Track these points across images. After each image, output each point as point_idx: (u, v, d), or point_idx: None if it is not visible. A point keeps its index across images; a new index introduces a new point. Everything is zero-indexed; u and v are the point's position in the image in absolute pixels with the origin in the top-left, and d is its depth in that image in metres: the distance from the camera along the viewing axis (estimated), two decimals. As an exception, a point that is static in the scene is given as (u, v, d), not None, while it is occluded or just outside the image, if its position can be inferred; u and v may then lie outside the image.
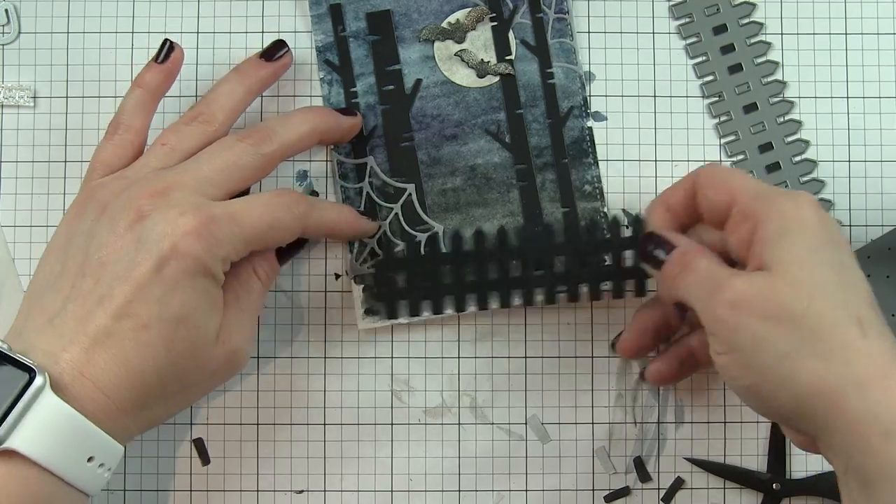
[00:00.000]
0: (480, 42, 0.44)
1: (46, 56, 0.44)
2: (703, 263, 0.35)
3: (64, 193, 0.44)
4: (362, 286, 0.43)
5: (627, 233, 0.43)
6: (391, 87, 0.44)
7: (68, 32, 0.44)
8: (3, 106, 0.44)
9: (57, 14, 0.44)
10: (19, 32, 0.44)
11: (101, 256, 0.34)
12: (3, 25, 0.44)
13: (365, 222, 0.42)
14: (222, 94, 0.40)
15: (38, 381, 0.31)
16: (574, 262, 0.42)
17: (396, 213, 0.43)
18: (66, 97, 0.44)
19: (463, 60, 0.44)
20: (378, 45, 0.44)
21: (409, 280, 0.42)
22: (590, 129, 0.44)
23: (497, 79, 0.44)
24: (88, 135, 0.44)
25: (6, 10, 0.44)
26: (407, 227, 0.43)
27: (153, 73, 0.40)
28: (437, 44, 0.44)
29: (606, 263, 0.42)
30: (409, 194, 0.43)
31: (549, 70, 0.44)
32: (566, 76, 0.44)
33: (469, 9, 0.44)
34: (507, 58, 0.44)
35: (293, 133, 0.39)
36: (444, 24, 0.44)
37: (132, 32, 0.44)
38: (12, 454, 0.31)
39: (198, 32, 0.44)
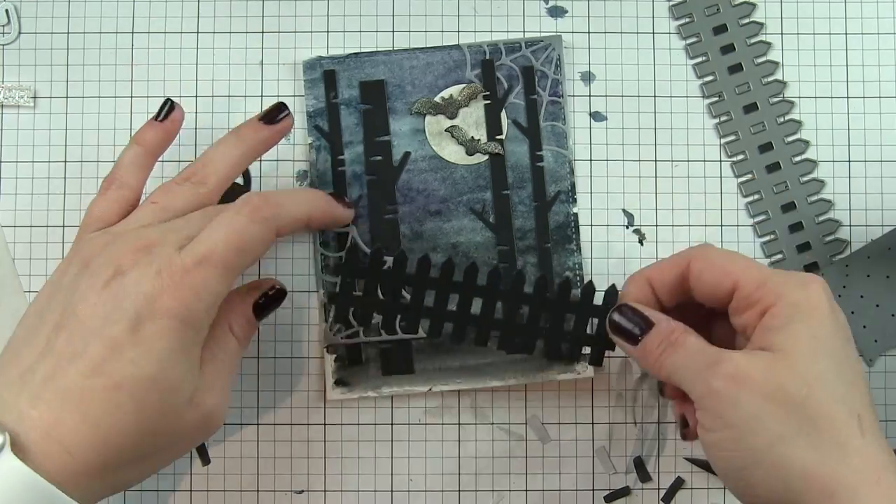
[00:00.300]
0: (472, 119, 0.43)
1: (46, 56, 0.44)
2: (692, 340, 0.34)
3: (64, 193, 0.44)
4: (334, 356, 0.43)
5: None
6: (379, 157, 0.43)
7: (68, 32, 0.44)
8: (3, 106, 0.44)
9: (57, 14, 0.44)
10: (19, 32, 0.44)
11: (78, 312, 0.33)
12: (3, 25, 0.44)
13: (340, 209, 0.41)
14: (217, 156, 0.38)
15: None
16: (536, 315, 0.40)
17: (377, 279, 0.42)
18: (66, 97, 0.44)
19: (453, 136, 0.43)
20: (369, 114, 0.43)
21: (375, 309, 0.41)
22: (575, 215, 0.43)
23: (486, 157, 0.43)
24: (88, 135, 0.44)
25: (6, 10, 0.44)
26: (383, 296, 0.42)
27: (153, 131, 0.39)
28: (428, 118, 0.43)
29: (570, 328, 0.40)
30: (389, 268, 0.42)
31: (538, 153, 0.43)
32: (556, 160, 0.43)
33: (463, 85, 0.43)
34: (498, 137, 0.43)
35: (290, 214, 0.37)
36: (437, 99, 0.43)
37: (132, 32, 0.44)
38: None
39: (198, 32, 0.44)
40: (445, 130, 0.43)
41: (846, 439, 0.32)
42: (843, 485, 0.31)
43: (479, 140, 0.43)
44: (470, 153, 0.43)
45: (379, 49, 0.44)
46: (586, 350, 0.40)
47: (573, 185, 0.43)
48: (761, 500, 0.33)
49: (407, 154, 0.43)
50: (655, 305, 0.37)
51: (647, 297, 0.37)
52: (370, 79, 0.43)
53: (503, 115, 0.43)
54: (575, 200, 0.43)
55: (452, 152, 0.43)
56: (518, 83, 0.43)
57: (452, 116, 0.43)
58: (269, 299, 0.40)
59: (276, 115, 0.40)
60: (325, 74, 0.43)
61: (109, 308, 0.33)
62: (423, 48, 0.44)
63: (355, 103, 0.43)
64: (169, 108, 0.40)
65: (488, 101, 0.43)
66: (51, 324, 0.34)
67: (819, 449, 0.32)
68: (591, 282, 0.40)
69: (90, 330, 0.33)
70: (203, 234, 0.35)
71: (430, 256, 0.40)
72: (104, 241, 0.36)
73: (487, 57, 0.43)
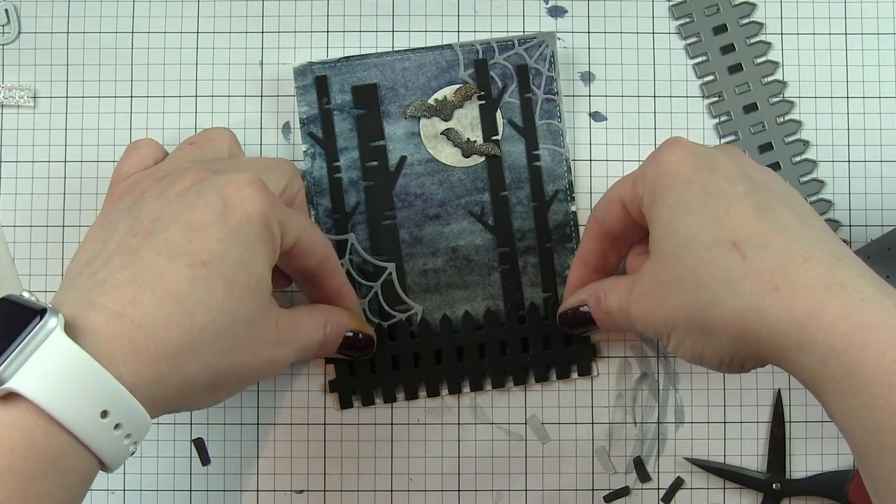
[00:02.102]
0: (467, 120, 0.43)
1: (46, 56, 0.44)
2: (613, 299, 0.37)
3: (64, 193, 0.44)
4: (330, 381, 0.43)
5: None
6: (375, 163, 0.43)
7: (68, 32, 0.44)
8: (3, 106, 0.44)
9: (57, 14, 0.44)
10: (19, 32, 0.44)
11: (153, 216, 0.32)
12: (3, 25, 0.44)
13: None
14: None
15: (51, 322, 0.28)
16: (517, 347, 0.43)
17: (376, 292, 0.43)
18: (66, 97, 0.44)
19: (449, 139, 0.43)
20: (363, 119, 0.43)
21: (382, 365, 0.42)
22: (574, 213, 0.43)
23: (482, 159, 0.43)
24: (88, 135, 0.44)
25: (6, 10, 0.44)
26: (386, 307, 0.42)
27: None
28: (423, 120, 0.43)
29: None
30: (390, 273, 0.42)
31: (535, 152, 0.43)
32: (552, 159, 0.43)
33: (457, 86, 0.43)
34: (494, 138, 0.43)
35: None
36: (431, 101, 0.43)
37: (132, 32, 0.44)
38: (15, 398, 0.28)
39: (198, 32, 0.44)
40: (441, 133, 0.43)
41: (730, 273, 0.31)
42: (747, 315, 0.31)
43: (474, 141, 0.43)
44: (466, 155, 0.43)
45: (370, 52, 0.44)
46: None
47: (571, 184, 0.43)
48: (731, 366, 0.34)
49: (403, 158, 0.43)
50: (602, 274, 0.40)
51: (587, 274, 0.40)
52: (362, 83, 0.43)
53: (498, 115, 0.43)
54: (573, 199, 0.43)
55: (449, 155, 0.43)
56: (512, 82, 0.43)
57: (447, 118, 0.43)
58: (360, 343, 0.40)
59: None
60: (316, 80, 0.43)
61: (192, 199, 0.32)
62: (414, 49, 0.43)
63: (348, 108, 0.43)
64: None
65: (483, 102, 0.43)
66: (119, 235, 0.32)
67: (714, 299, 0.32)
68: (555, 302, 0.42)
69: (170, 219, 0.32)
70: (273, 174, 0.36)
71: (405, 319, 0.42)
72: (159, 175, 0.35)
73: (480, 56, 0.43)
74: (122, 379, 0.29)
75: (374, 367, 0.42)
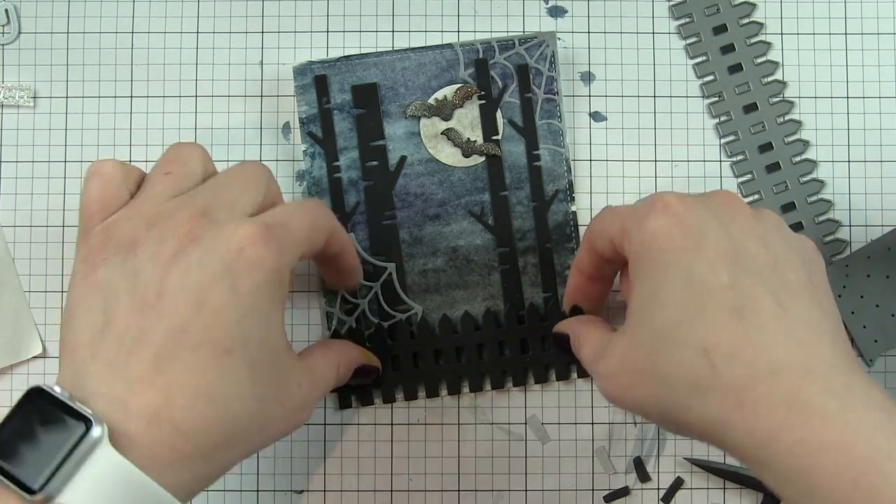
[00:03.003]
0: (467, 120, 0.43)
1: (46, 56, 0.44)
2: (586, 352, 0.37)
3: (64, 193, 0.44)
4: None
5: None
6: (375, 162, 0.43)
7: (68, 32, 0.44)
8: (3, 106, 0.44)
9: (57, 14, 0.44)
10: (19, 32, 0.44)
11: (157, 290, 0.30)
12: (3, 25, 0.44)
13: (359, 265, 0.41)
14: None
15: (96, 431, 0.27)
16: (516, 348, 0.43)
17: (376, 292, 0.43)
18: (66, 97, 0.44)
19: (449, 139, 0.43)
20: (363, 118, 0.43)
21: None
22: (574, 213, 0.43)
23: (483, 159, 0.43)
24: (88, 135, 0.44)
25: (6, 10, 0.44)
26: (386, 307, 0.42)
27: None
28: (423, 120, 0.43)
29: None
30: (390, 273, 0.43)
31: (535, 152, 0.43)
32: (553, 159, 0.43)
33: (458, 86, 0.43)
34: (494, 138, 0.43)
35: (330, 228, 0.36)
36: (431, 101, 0.43)
37: (132, 32, 0.44)
38: None
39: (198, 32, 0.44)
40: (441, 133, 0.43)
41: (698, 381, 0.31)
42: (713, 425, 0.31)
43: (475, 141, 0.43)
44: (466, 155, 0.43)
45: (369, 51, 0.44)
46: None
47: (571, 184, 0.43)
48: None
49: (403, 158, 0.43)
50: (600, 283, 0.40)
51: (584, 282, 0.40)
52: (362, 82, 0.43)
53: (498, 114, 0.43)
54: (573, 199, 0.43)
55: (449, 154, 0.43)
56: (513, 82, 0.43)
57: (447, 118, 0.43)
58: (369, 370, 0.41)
59: None
60: (316, 80, 0.43)
61: (197, 275, 0.30)
62: (414, 48, 0.43)
63: (348, 108, 0.43)
64: None
65: (483, 102, 0.43)
66: (125, 311, 0.30)
67: (683, 403, 0.31)
68: (555, 302, 0.42)
69: (183, 302, 0.30)
70: (279, 208, 0.33)
71: (405, 319, 0.42)
72: (140, 219, 0.32)
73: (481, 56, 0.43)
74: (166, 485, 0.29)
75: None
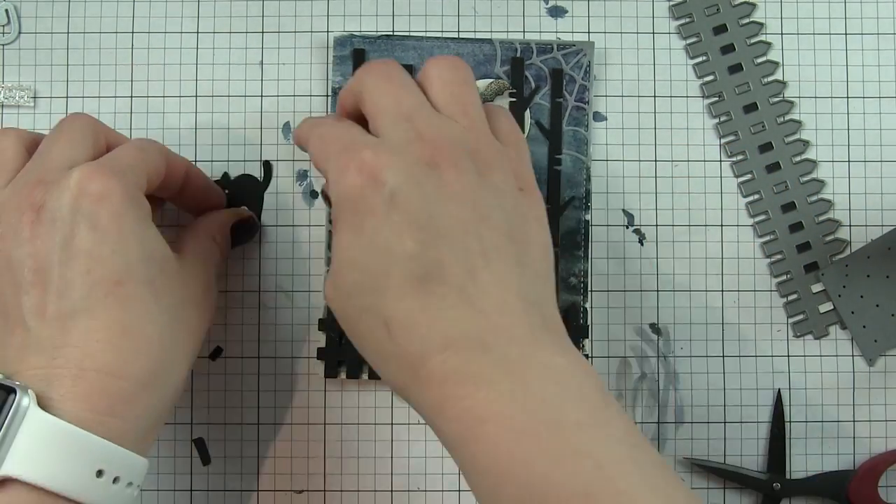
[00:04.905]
0: None
1: (46, 56, 0.44)
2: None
3: (64, 193, 0.44)
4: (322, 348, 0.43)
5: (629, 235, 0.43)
6: None
7: (68, 32, 0.44)
8: (3, 106, 0.44)
9: (57, 14, 0.44)
10: (19, 32, 0.44)
11: (30, 266, 0.31)
12: (3, 25, 0.44)
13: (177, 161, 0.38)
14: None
15: (24, 400, 0.28)
16: None
17: None
18: (66, 97, 0.44)
19: None
20: None
21: None
22: (587, 222, 0.43)
23: None
24: (88, 135, 0.44)
25: (6, 10, 0.44)
26: None
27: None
28: None
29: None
30: None
31: (558, 156, 0.43)
32: (574, 165, 0.43)
33: (491, 80, 0.43)
34: None
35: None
36: None
37: (132, 32, 0.44)
38: (10, 482, 0.28)
39: (198, 32, 0.44)
40: None
41: (380, 347, 0.31)
42: (397, 387, 0.32)
43: None
44: None
45: (411, 34, 0.44)
46: None
47: (588, 192, 0.43)
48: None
49: None
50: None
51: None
52: (399, 62, 0.43)
53: (527, 114, 0.43)
54: (588, 207, 0.43)
55: None
56: (545, 84, 0.44)
57: None
58: (246, 226, 0.42)
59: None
60: (354, 53, 0.43)
61: (52, 235, 0.31)
62: (454, 38, 0.44)
63: None
64: None
65: (514, 99, 0.43)
66: (11, 296, 0.31)
67: (373, 361, 0.32)
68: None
69: (55, 264, 0.31)
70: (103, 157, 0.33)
71: None
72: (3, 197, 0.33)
73: (518, 55, 0.44)
74: (109, 432, 0.30)
75: None
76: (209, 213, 0.41)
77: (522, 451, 0.28)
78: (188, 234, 0.38)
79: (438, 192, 0.31)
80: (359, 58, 0.43)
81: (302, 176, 0.44)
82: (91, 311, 0.30)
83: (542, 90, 0.44)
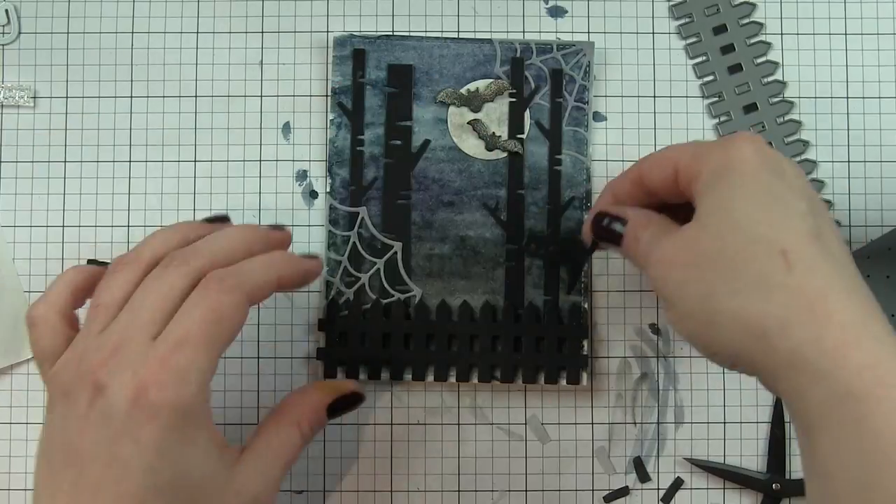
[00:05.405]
0: (495, 115, 0.44)
1: (46, 56, 0.44)
2: (646, 234, 0.35)
3: (64, 193, 0.44)
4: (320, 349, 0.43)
5: None
6: (398, 142, 0.43)
7: (68, 32, 0.44)
8: (3, 106, 0.44)
9: (57, 14, 0.44)
10: (19, 32, 0.44)
11: (75, 443, 0.31)
12: (3, 25, 0.44)
13: (307, 264, 0.37)
14: (154, 238, 0.36)
15: None
16: (510, 346, 0.43)
17: (379, 269, 0.43)
18: (66, 97, 0.44)
19: (474, 130, 0.43)
20: (394, 97, 0.43)
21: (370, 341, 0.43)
22: None
23: (505, 154, 0.43)
24: (88, 135, 0.44)
25: (6, 10, 0.44)
26: (386, 285, 0.43)
27: (98, 269, 0.36)
28: (451, 108, 0.44)
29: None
30: (395, 252, 0.43)
31: (558, 156, 0.43)
32: (573, 165, 0.43)
33: (491, 80, 0.44)
34: (519, 136, 0.43)
35: (257, 280, 0.34)
36: (463, 91, 0.43)
37: (132, 32, 0.44)
38: None
39: (197, 32, 0.44)
40: (467, 123, 0.43)
41: (768, 277, 0.30)
42: (771, 322, 0.30)
43: (499, 136, 0.43)
44: (489, 148, 0.43)
45: (411, 34, 0.44)
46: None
47: (588, 193, 0.43)
48: (719, 356, 0.33)
49: (427, 142, 0.43)
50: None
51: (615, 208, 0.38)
52: (399, 62, 0.44)
53: (527, 114, 0.44)
54: (588, 207, 0.43)
55: (472, 145, 0.43)
56: (545, 84, 0.44)
57: (476, 110, 0.43)
58: (347, 402, 0.39)
59: (216, 219, 0.38)
60: (354, 53, 0.44)
61: (102, 427, 0.31)
62: (454, 38, 0.44)
63: (381, 85, 0.44)
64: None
65: (514, 99, 0.44)
66: (57, 467, 0.32)
67: (741, 293, 0.31)
68: (554, 306, 0.42)
69: (93, 458, 0.31)
70: (176, 318, 0.32)
71: (403, 300, 0.43)
72: (72, 365, 0.33)
73: (518, 55, 0.44)
74: None
75: (364, 341, 0.43)
76: (301, 392, 0.38)
77: None
78: (268, 420, 0.37)
79: (808, 183, 0.34)
80: (358, 58, 0.43)
81: (302, 176, 0.44)
82: None
83: (542, 90, 0.44)
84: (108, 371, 0.31)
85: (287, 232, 0.37)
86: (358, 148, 0.43)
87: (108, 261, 0.38)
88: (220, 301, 0.32)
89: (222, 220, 0.38)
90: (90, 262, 0.41)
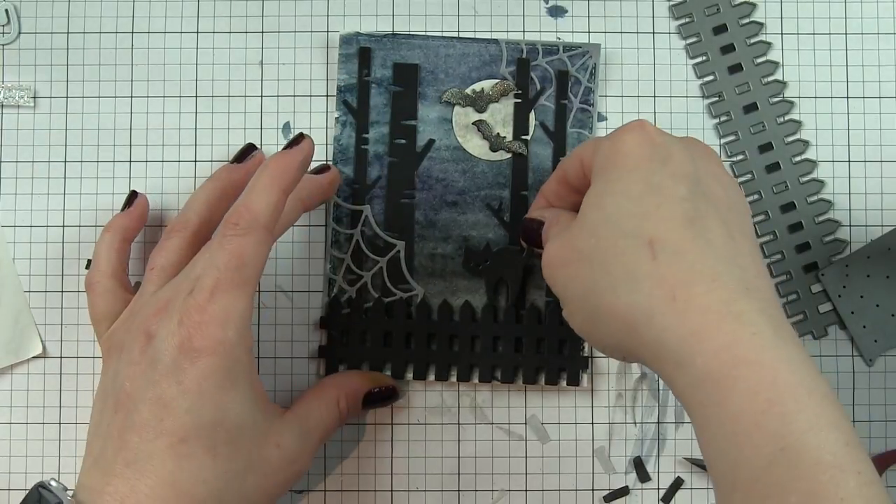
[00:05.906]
0: (500, 116, 0.44)
1: (46, 56, 0.44)
2: (550, 234, 0.37)
3: (64, 193, 0.44)
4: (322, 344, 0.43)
5: None
6: (403, 141, 0.43)
7: (68, 32, 0.44)
8: (3, 106, 0.44)
9: (57, 14, 0.44)
10: (19, 32, 0.44)
11: (126, 388, 0.34)
12: (3, 25, 0.44)
13: (322, 177, 0.41)
14: (196, 199, 0.39)
15: None
16: (510, 346, 0.43)
17: (381, 267, 0.43)
18: (66, 97, 0.44)
19: (479, 130, 0.43)
20: (399, 96, 0.43)
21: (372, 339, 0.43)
22: None
23: (509, 155, 0.43)
24: (88, 135, 0.44)
25: (6, 10, 0.44)
26: (389, 284, 0.43)
27: (122, 219, 0.41)
28: (457, 108, 0.44)
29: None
30: (398, 251, 0.43)
31: (562, 158, 0.43)
32: None
33: (496, 80, 0.43)
34: (524, 137, 0.43)
35: (268, 208, 0.35)
36: (469, 91, 0.43)
37: (132, 32, 0.44)
38: None
39: (197, 32, 0.44)
40: (472, 123, 0.43)
41: (635, 269, 0.31)
42: (638, 313, 0.31)
43: (504, 137, 0.43)
44: (494, 149, 0.43)
45: (417, 33, 0.44)
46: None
47: None
48: (605, 348, 0.34)
49: (431, 141, 0.43)
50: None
51: (542, 208, 0.40)
52: (405, 61, 0.44)
53: (532, 115, 0.44)
54: None
55: (476, 146, 0.44)
56: (551, 86, 0.44)
57: (481, 110, 0.43)
58: (383, 395, 0.41)
59: (245, 155, 0.41)
60: (360, 51, 0.44)
61: (149, 371, 0.34)
62: (461, 38, 0.44)
63: (387, 83, 0.44)
64: (131, 196, 0.42)
65: (519, 100, 0.44)
66: (108, 410, 0.35)
67: (615, 288, 0.31)
68: (555, 307, 0.42)
69: (140, 398, 0.33)
70: (203, 269, 0.35)
71: (405, 299, 0.43)
72: (126, 322, 0.36)
73: (524, 56, 0.44)
74: None
75: (366, 340, 0.43)
76: (343, 375, 0.41)
77: (782, 407, 0.28)
78: (311, 393, 0.39)
79: (705, 170, 0.34)
80: (364, 56, 0.43)
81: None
82: (150, 457, 0.33)
83: (548, 91, 0.44)
84: (158, 321, 0.34)
85: (306, 150, 0.37)
86: (362, 146, 0.43)
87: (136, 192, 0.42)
88: (240, 244, 0.34)
89: (250, 151, 0.41)
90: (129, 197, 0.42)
